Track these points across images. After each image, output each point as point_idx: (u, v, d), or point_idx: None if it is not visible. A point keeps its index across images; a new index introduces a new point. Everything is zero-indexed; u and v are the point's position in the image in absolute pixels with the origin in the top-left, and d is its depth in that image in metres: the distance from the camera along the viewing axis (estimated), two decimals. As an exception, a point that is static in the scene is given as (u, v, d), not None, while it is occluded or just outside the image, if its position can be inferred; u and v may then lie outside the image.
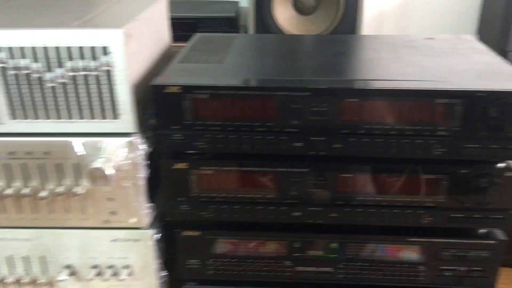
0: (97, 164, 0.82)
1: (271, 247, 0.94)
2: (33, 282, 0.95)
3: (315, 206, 0.88)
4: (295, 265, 0.94)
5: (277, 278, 0.95)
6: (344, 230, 0.92)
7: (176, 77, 0.85)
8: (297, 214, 0.89)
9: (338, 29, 1.86)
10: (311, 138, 0.83)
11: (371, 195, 0.87)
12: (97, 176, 0.82)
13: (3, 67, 0.80)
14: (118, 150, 0.84)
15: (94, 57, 0.78)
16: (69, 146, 0.84)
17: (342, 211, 0.88)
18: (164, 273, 0.97)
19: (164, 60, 1.03)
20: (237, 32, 1.86)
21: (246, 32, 1.89)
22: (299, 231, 0.92)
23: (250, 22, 1.77)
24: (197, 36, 1.12)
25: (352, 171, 0.86)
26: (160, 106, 0.83)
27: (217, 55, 0.97)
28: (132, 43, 0.81)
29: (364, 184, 0.87)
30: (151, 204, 0.91)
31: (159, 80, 0.83)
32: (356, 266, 0.93)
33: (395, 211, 0.88)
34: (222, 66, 0.92)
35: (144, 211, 0.90)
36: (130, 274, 0.94)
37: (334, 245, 0.92)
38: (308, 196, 0.88)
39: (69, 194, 0.87)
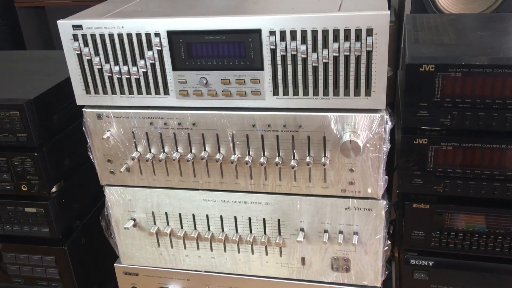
0: (350, 137, 0.90)
1: (496, 223, 0.96)
2: (268, 241, 1.07)
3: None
4: (524, 242, 0.96)
5: (502, 254, 0.97)
6: None
7: (426, 56, 0.89)
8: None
9: (503, 7, 1.79)
10: None
11: None
12: (352, 147, 0.90)
13: (272, 49, 0.89)
14: (368, 124, 0.91)
15: (357, 39, 0.85)
16: (322, 121, 0.93)
17: None
18: (389, 241, 1.03)
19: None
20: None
21: (396, 12, 1.87)
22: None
23: (407, 2, 1.76)
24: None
25: None
26: (412, 84, 0.88)
27: (440, 35, 1.01)
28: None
29: None
30: (387, 176, 0.97)
31: (413, 59, 0.88)
32: None
33: None
34: (457, 45, 0.95)
35: (380, 182, 0.96)
36: (358, 241, 1.02)
37: None
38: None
39: (316, 164, 0.96)
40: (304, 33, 0.87)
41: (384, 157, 0.93)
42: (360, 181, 0.97)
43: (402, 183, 0.97)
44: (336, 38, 0.86)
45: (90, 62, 0.97)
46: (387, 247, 1.03)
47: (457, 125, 0.89)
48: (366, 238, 1.02)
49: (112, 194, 1.11)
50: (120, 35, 0.94)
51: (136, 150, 1.04)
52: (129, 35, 0.93)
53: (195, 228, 1.11)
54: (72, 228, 1.25)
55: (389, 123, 0.91)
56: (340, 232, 1.03)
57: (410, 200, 0.99)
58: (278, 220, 1.05)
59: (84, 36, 0.95)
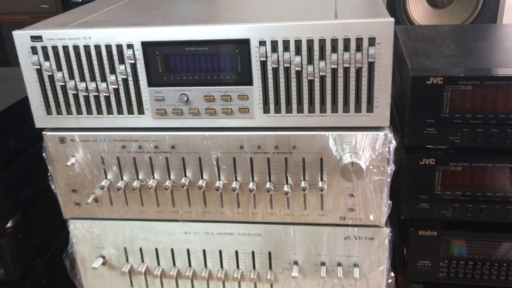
0: (351, 158, 0.80)
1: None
2: (257, 277, 0.95)
3: None
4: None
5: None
6: None
7: (432, 68, 0.81)
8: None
9: (476, 22, 1.78)
10: None
11: None
12: (354, 170, 0.80)
13: (262, 61, 0.79)
14: (370, 144, 0.82)
15: (358, 49, 0.76)
16: (318, 141, 0.83)
17: None
18: (392, 273, 0.94)
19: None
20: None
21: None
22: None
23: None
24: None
25: None
26: (417, 99, 0.80)
27: (439, 47, 0.93)
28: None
29: None
30: (390, 201, 0.88)
31: (418, 72, 0.79)
32: None
33: None
34: (461, 56, 0.88)
35: (384, 208, 0.87)
36: (357, 273, 0.92)
37: None
38: None
39: (312, 189, 0.86)
40: (298, 43, 0.77)
41: (389, 180, 0.84)
42: (362, 207, 0.87)
43: (406, 208, 0.88)
44: (334, 49, 0.77)
45: (51, 78, 0.85)
46: (390, 280, 0.93)
47: (467, 143, 0.81)
48: (368, 270, 0.92)
49: (77, 229, 0.97)
50: (86, 47, 0.82)
51: (106, 178, 0.91)
52: (97, 47, 0.81)
53: (174, 265, 0.98)
54: (31, 268, 1.10)
55: (393, 142, 0.82)
56: (339, 264, 0.92)
57: (415, 226, 0.90)
58: (269, 253, 0.94)
59: (44, 48, 0.83)
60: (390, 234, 0.89)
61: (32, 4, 2.26)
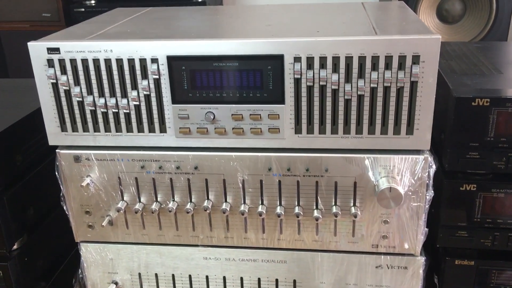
0: (389, 183, 0.75)
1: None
2: (281, 307, 0.90)
3: None
4: None
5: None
6: None
7: (477, 89, 0.76)
8: None
9: (486, 39, 1.75)
10: None
11: None
12: (392, 196, 0.75)
13: (296, 79, 0.74)
14: (409, 168, 0.76)
15: (400, 67, 0.72)
16: (353, 164, 0.78)
17: None
18: (425, 304, 0.88)
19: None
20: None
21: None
22: None
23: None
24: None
25: None
26: (461, 121, 0.75)
27: (475, 65, 0.89)
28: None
29: None
30: (427, 228, 0.82)
31: (463, 93, 0.75)
32: None
33: None
34: (504, 76, 0.84)
35: (420, 236, 0.82)
36: (389, 304, 0.86)
37: None
38: None
39: (343, 215, 0.81)
40: (336, 60, 0.72)
41: (427, 206, 0.79)
42: (396, 234, 0.82)
43: (443, 236, 0.83)
44: (374, 66, 0.72)
45: (68, 93, 0.79)
46: (423, 311, 0.87)
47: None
48: (400, 302, 0.86)
49: (89, 253, 0.91)
50: (107, 61, 0.76)
51: (123, 200, 0.85)
52: (119, 61, 0.76)
53: (192, 292, 0.92)
54: (36, 291, 1.03)
55: (434, 166, 0.77)
56: (369, 294, 0.87)
57: (452, 255, 0.84)
58: (294, 281, 0.88)
59: (61, 61, 0.77)
60: (425, 263, 0.84)
61: (33, 12, 2.20)
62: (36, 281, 1.03)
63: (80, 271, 0.94)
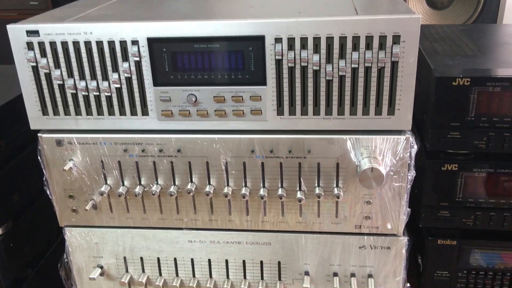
0: (371, 163, 0.76)
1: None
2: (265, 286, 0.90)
3: None
4: None
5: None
6: None
7: (458, 69, 0.76)
8: None
9: (480, 19, 1.75)
10: None
11: None
12: (374, 176, 0.75)
13: (278, 60, 0.74)
14: (391, 148, 0.77)
15: (381, 47, 0.72)
16: (335, 145, 0.78)
17: None
18: (408, 284, 0.89)
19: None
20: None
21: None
22: None
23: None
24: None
25: None
26: (442, 101, 0.75)
27: (459, 46, 0.89)
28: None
29: None
30: (409, 209, 0.83)
31: (443, 72, 0.75)
32: None
33: None
34: (486, 57, 0.84)
35: (402, 216, 0.82)
36: (372, 284, 0.87)
37: None
38: None
39: (327, 196, 0.81)
40: (317, 40, 0.72)
41: (409, 186, 0.79)
42: (379, 215, 0.82)
43: (425, 216, 0.84)
44: (355, 47, 0.72)
45: (48, 76, 0.78)
46: (406, 291, 0.88)
47: (493, 148, 0.77)
48: (383, 281, 0.87)
49: (74, 237, 0.91)
50: (87, 43, 0.76)
51: (106, 184, 0.85)
52: (99, 43, 0.76)
53: (177, 275, 0.92)
54: (22, 279, 1.03)
55: (415, 146, 0.77)
56: (353, 275, 0.87)
57: (434, 235, 0.85)
58: (279, 263, 0.89)
59: (41, 44, 0.76)
60: (408, 243, 0.84)
61: (20, 1, 2.18)
62: (22, 268, 1.03)
63: (65, 256, 0.94)
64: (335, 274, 0.88)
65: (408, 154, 0.77)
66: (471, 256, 0.85)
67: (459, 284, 0.87)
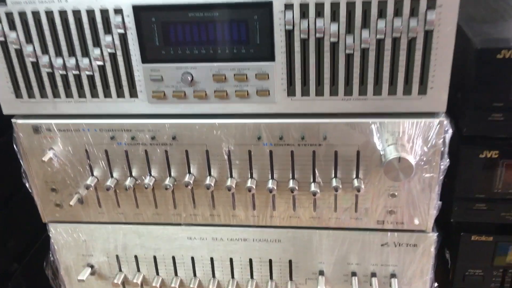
0: (398, 152, 0.64)
1: None
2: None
3: None
4: None
5: None
6: None
7: (502, 38, 0.64)
8: None
9: None
10: None
11: None
12: (401, 167, 0.64)
13: (288, 30, 0.62)
14: (422, 134, 0.66)
15: (413, 13, 0.59)
16: (356, 130, 0.67)
17: None
18: (436, 284, 0.79)
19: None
20: None
21: None
22: None
23: None
24: None
25: None
26: (482, 77, 0.63)
27: (496, 12, 0.77)
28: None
29: None
30: (440, 202, 0.72)
31: (485, 43, 0.63)
32: None
33: None
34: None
35: (432, 210, 0.71)
36: (396, 285, 0.77)
37: None
38: None
39: (345, 189, 0.70)
40: (335, 6, 0.60)
41: (441, 177, 0.68)
42: (405, 209, 0.72)
43: (458, 209, 0.73)
44: (381, 13, 0.60)
45: (20, 52, 0.67)
46: (434, 292, 0.79)
47: (539, 133, 0.65)
48: (408, 282, 0.77)
49: (59, 234, 0.82)
50: (62, 13, 0.64)
51: (92, 176, 0.75)
52: (77, 13, 0.64)
53: (176, 275, 0.83)
54: (9, 274, 0.94)
55: (450, 131, 0.66)
56: (373, 274, 0.78)
57: (468, 230, 0.75)
58: (290, 262, 0.79)
59: (9, 15, 0.65)
60: (437, 240, 0.74)
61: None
62: (8, 262, 0.95)
63: (51, 254, 0.84)
64: (354, 274, 0.78)
65: (442, 140, 0.66)
66: (509, 253, 0.75)
67: (493, 283, 0.77)
